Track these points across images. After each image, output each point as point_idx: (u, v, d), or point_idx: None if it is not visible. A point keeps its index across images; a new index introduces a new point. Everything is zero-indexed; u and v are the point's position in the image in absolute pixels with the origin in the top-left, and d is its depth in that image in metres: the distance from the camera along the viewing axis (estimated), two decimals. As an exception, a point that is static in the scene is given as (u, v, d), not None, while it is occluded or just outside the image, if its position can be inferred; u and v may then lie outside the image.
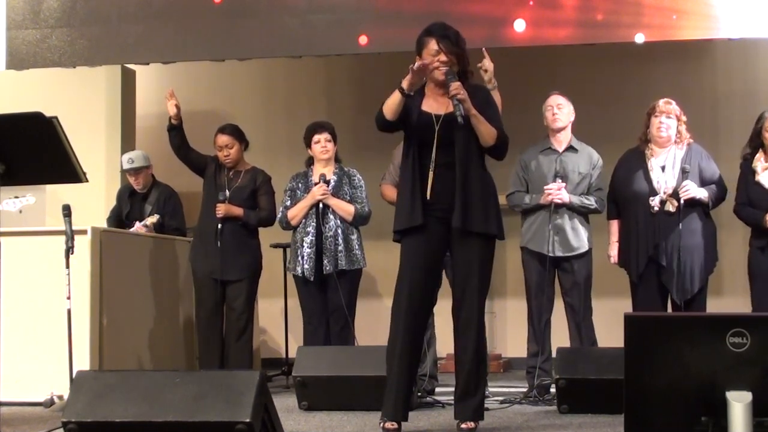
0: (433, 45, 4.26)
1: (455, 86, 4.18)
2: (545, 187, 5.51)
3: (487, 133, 4.27)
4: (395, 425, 4.17)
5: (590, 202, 5.57)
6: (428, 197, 4.23)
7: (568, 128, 5.68)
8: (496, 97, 5.30)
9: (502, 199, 5.86)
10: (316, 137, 5.90)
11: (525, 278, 5.65)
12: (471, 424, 4.26)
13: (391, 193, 5.56)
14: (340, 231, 5.78)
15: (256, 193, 6.09)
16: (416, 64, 4.17)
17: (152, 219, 6.34)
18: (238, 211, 5.98)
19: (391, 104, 4.22)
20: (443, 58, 4.25)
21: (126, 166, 6.68)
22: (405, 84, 4.17)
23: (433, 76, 4.29)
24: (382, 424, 4.19)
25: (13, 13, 6.92)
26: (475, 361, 4.29)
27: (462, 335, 4.32)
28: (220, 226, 5.93)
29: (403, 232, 4.32)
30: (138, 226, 6.33)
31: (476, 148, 4.30)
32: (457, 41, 4.30)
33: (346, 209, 5.82)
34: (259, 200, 6.09)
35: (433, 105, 4.33)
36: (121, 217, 6.69)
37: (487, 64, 5.21)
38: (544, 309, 5.55)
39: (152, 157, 6.77)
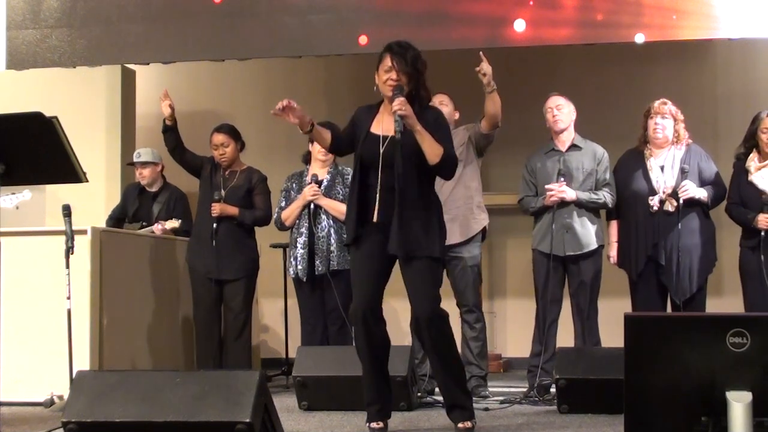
0: (387, 61, 4.24)
1: (398, 102, 4.14)
2: (546, 187, 5.51)
3: (431, 150, 4.18)
4: (381, 424, 4.28)
5: (598, 196, 5.56)
6: (375, 219, 4.20)
7: (571, 127, 5.68)
8: (495, 99, 5.31)
9: (502, 199, 5.90)
10: None
11: (534, 278, 5.66)
12: (468, 424, 4.29)
13: None
14: (332, 231, 5.78)
15: (251, 193, 6.09)
16: (277, 107, 4.34)
17: (173, 224, 6.34)
18: (233, 210, 5.98)
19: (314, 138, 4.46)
20: (394, 75, 4.22)
21: (134, 159, 6.76)
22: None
23: (384, 93, 4.27)
24: (368, 425, 4.31)
25: (13, 13, 6.92)
26: (449, 374, 4.31)
27: (428, 352, 4.36)
28: (215, 225, 5.94)
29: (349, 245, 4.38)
30: (156, 228, 6.34)
31: (418, 169, 4.22)
32: (414, 62, 4.24)
33: (338, 209, 5.81)
34: (254, 200, 6.09)
35: (382, 126, 4.29)
36: (121, 218, 6.71)
37: (486, 67, 5.18)
38: (552, 309, 5.55)
39: (153, 157, 6.79)
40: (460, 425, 4.28)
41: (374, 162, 4.24)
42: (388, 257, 4.30)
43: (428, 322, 4.22)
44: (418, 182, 4.22)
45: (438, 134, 4.22)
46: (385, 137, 4.24)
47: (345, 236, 4.53)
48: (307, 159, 6.03)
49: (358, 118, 4.40)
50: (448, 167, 4.28)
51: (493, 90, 5.25)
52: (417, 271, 4.23)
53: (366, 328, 4.27)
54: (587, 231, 5.55)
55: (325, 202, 5.80)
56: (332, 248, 5.76)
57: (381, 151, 4.22)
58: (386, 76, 4.23)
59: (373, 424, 4.28)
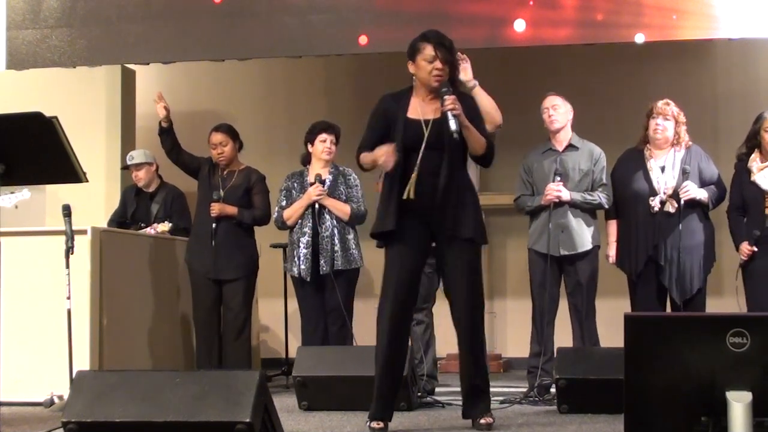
0: (429, 51, 4.27)
1: (450, 100, 4.19)
2: (547, 187, 5.51)
3: (477, 143, 4.31)
4: (381, 425, 4.27)
5: (593, 197, 5.55)
6: (411, 196, 4.23)
7: (568, 127, 5.67)
8: (482, 95, 5.28)
9: (502, 199, 5.90)
10: (323, 136, 5.90)
11: (530, 278, 5.65)
12: (489, 419, 4.35)
13: None
14: (336, 231, 5.78)
15: (250, 192, 6.10)
16: (385, 159, 4.20)
17: (164, 227, 6.34)
18: (232, 210, 5.98)
19: (367, 165, 4.35)
20: (439, 65, 4.26)
21: (127, 162, 6.77)
22: (373, 161, 4.28)
23: (428, 83, 4.29)
24: (368, 423, 4.29)
25: (13, 13, 6.92)
26: (481, 368, 4.40)
27: (463, 337, 4.36)
28: (214, 225, 5.94)
29: (386, 237, 4.35)
30: (148, 232, 6.34)
31: (463, 154, 4.34)
32: (452, 50, 4.31)
33: (342, 209, 5.82)
34: (253, 199, 6.10)
35: (421, 110, 4.33)
36: (123, 220, 6.71)
37: (464, 64, 5.09)
38: (548, 309, 5.55)
39: (152, 158, 6.79)
40: (482, 421, 4.34)
41: (416, 146, 4.26)
42: (426, 251, 4.37)
43: (473, 311, 4.30)
44: (462, 166, 4.35)
45: (476, 123, 4.32)
46: (426, 121, 4.28)
47: (373, 225, 4.42)
48: (306, 160, 6.03)
49: (388, 108, 4.39)
50: (490, 156, 4.42)
51: (474, 86, 5.19)
52: (465, 258, 4.30)
53: (393, 324, 4.27)
54: (583, 231, 5.54)
55: (330, 202, 5.80)
56: (336, 248, 5.76)
57: (426, 134, 4.25)
58: (430, 67, 4.26)
59: (374, 424, 4.28)
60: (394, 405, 4.44)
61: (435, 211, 4.27)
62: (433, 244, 4.43)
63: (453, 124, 4.16)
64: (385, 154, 4.20)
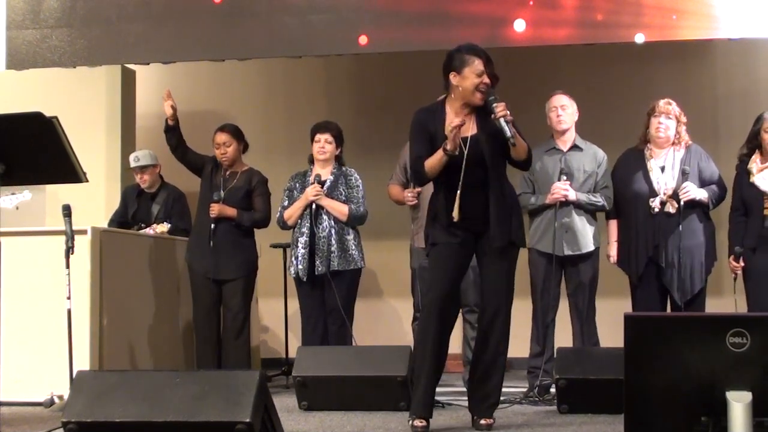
0: (479, 65, 4.30)
1: (502, 107, 4.21)
2: (553, 186, 5.51)
3: (522, 147, 4.35)
4: (423, 423, 4.28)
5: (597, 199, 5.56)
6: (455, 219, 4.27)
7: (573, 127, 5.67)
8: None
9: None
10: (317, 136, 5.93)
11: (531, 278, 5.65)
12: (490, 420, 4.37)
13: (397, 192, 5.70)
14: (333, 231, 5.78)
15: (251, 194, 6.09)
16: (456, 124, 4.21)
17: (162, 228, 6.34)
18: (231, 211, 5.98)
19: (436, 165, 4.30)
20: (487, 80, 4.31)
21: (132, 164, 6.75)
22: (450, 146, 4.23)
23: (471, 95, 4.32)
24: (411, 422, 4.30)
25: (13, 13, 6.92)
26: (497, 372, 4.44)
27: (486, 339, 4.43)
28: (213, 225, 5.94)
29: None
30: (148, 232, 6.34)
31: (503, 164, 4.39)
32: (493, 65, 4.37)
33: (340, 210, 5.82)
34: (253, 201, 6.09)
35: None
36: (124, 220, 6.70)
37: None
38: (549, 309, 5.55)
39: (154, 158, 6.78)
40: (483, 422, 4.36)
41: (456, 163, 4.28)
42: (469, 254, 4.43)
43: (496, 316, 4.37)
44: (504, 176, 4.41)
45: (517, 129, 4.34)
46: (464, 138, 4.30)
47: (430, 234, 4.45)
48: (312, 160, 6.03)
49: (425, 120, 4.41)
50: (530, 160, 4.48)
51: None
52: (503, 263, 4.39)
53: (441, 318, 4.31)
54: (586, 232, 5.54)
55: (327, 203, 5.80)
56: (333, 248, 5.76)
57: (465, 152, 4.27)
58: (478, 80, 4.30)
59: (417, 422, 4.28)
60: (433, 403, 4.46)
61: (485, 221, 4.32)
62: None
63: (508, 131, 4.20)
64: (455, 125, 4.20)
